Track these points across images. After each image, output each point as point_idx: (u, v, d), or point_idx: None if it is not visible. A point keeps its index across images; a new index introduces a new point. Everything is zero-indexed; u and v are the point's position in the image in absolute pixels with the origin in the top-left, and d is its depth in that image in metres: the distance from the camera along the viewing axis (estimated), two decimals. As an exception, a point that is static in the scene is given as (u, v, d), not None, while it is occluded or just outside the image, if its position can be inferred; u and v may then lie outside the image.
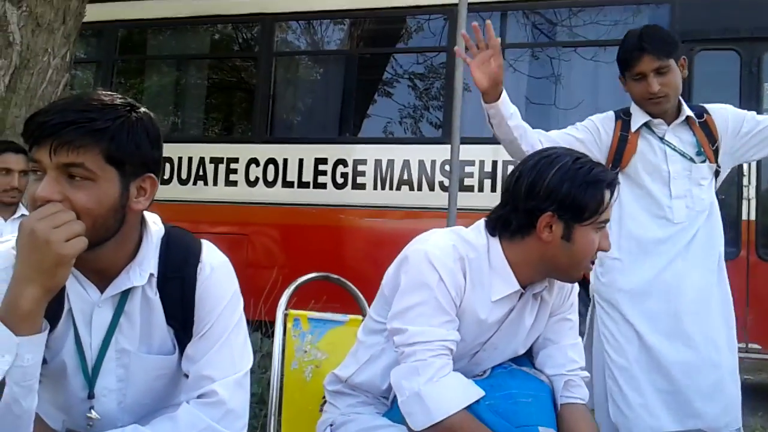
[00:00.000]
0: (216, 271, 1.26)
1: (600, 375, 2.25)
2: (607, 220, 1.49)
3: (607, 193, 1.46)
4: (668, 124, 2.21)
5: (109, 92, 1.17)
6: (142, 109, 1.18)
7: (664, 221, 2.19)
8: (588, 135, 2.24)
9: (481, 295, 1.50)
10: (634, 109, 2.24)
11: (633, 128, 2.21)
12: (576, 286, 1.63)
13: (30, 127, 1.08)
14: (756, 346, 4.08)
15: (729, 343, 2.18)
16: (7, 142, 3.09)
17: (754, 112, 2.28)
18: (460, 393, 1.42)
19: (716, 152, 2.21)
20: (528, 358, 1.63)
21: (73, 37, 3.68)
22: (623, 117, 2.25)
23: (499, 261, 1.50)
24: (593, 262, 1.53)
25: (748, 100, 4.20)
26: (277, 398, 1.84)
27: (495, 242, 1.51)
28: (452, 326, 1.47)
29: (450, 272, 1.46)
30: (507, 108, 2.09)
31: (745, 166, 4.14)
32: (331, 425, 1.61)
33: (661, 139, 2.21)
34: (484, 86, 2.03)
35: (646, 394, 2.14)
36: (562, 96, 4.78)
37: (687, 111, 2.21)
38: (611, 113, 2.28)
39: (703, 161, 2.20)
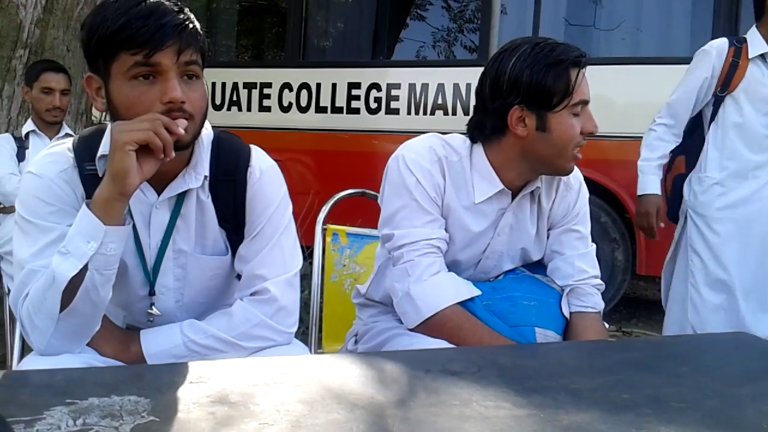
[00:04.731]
0: (265, 174, 1.30)
1: (682, 283, 2.50)
2: (585, 101, 1.42)
3: (574, 72, 1.39)
4: None
5: None
6: None
7: (759, 148, 2.40)
8: (708, 65, 2.41)
9: (465, 198, 1.50)
10: (754, 38, 2.39)
11: (750, 55, 2.37)
12: (583, 195, 1.60)
13: (143, 34, 1.07)
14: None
15: None
16: (47, 61, 3.12)
17: None
18: (450, 290, 1.45)
19: None
20: (545, 267, 1.64)
21: (108, -43, 3.65)
22: (736, 44, 2.41)
23: (482, 163, 1.49)
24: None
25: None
26: (317, 309, 1.89)
27: (478, 147, 1.50)
28: (436, 225, 1.48)
29: (427, 173, 1.46)
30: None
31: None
32: (356, 335, 1.67)
33: None
34: None
35: (720, 296, 2.41)
36: (603, 16, 4.62)
37: None
38: (724, 40, 2.44)
39: None
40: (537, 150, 1.44)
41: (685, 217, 2.54)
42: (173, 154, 1.10)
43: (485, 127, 1.47)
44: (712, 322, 2.37)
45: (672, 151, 2.58)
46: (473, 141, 1.51)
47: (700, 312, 2.41)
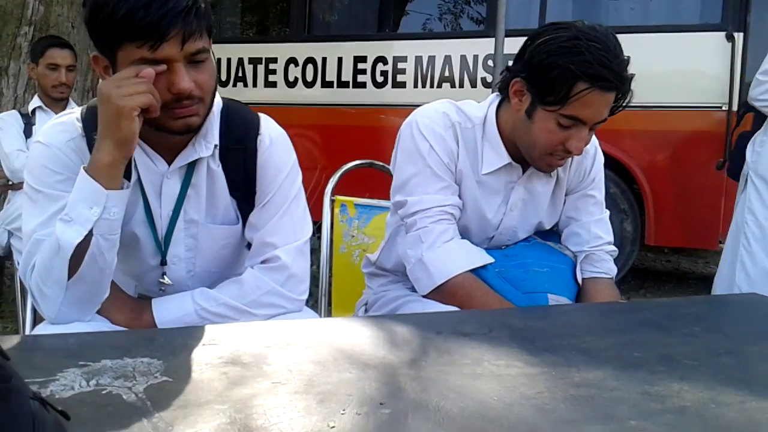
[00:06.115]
0: (275, 141, 1.29)
1: (734, 244, 2.42)
2: (581, 121, 1.34)
3: (581, 85, 1.30)
4: None
5: None
6: None
7: None
8: None
9: (475, 168, 1.49)
10: None
11: None
12: (598, 160, 1.58)
13: (146, 24, 1.04)
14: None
15: None
16: (52, 37, 3.10)
17: None
18: (463, 257, 1.44)
19: None
20: (557, 234, 1.63)
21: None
22: None
23: (493, 133, 1.48)
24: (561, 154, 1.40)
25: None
26: (326, 280, 1.90)
27: (492, 114, 1.49)
28: (450, 191, 1.47)
29: (440, 138, 1.45)
30: None
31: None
32: (366, 304, 1.67)
33: None
34: None
35: None
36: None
37: None
38: None
39: None
40: (519, 130, 1.43)
41: (746, 179, 2.45)
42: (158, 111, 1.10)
43: (504, 81, 1.46)
44: (762, 287, 2.26)
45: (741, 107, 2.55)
46: (501, 94, 1.49)
47: (751, 275, 2.33)
